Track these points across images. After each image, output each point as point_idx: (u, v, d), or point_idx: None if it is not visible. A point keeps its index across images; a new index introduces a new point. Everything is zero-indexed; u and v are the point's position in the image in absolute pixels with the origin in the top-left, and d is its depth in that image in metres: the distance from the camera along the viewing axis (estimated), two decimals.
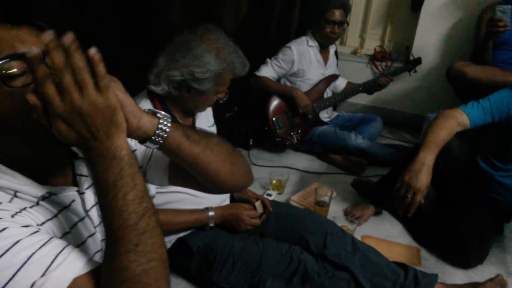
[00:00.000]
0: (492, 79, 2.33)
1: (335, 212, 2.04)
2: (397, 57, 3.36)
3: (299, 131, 2.64)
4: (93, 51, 0.56)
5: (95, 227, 0.79)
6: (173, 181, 0.92)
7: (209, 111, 1.66)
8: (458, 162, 1.86)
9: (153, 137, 0.70)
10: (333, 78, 2.76)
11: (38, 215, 0.67)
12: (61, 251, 0.62)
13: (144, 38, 1.67)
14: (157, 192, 1.39)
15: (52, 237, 0.64)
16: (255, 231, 1.60)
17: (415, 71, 2.91)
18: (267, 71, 2.57)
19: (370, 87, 2.74)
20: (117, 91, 0.62)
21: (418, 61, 2.89)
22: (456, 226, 1.78)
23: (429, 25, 3.10)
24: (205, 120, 1.62)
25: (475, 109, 1.68)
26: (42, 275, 0.59)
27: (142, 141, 0.71)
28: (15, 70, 0.61)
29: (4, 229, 0.59)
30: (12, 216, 0.63)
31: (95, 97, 0.57)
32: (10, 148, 0.67)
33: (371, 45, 3.42)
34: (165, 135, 0.70)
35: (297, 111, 2.57)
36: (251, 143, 2.70)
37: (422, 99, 3.23)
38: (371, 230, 1.96)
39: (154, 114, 0.71)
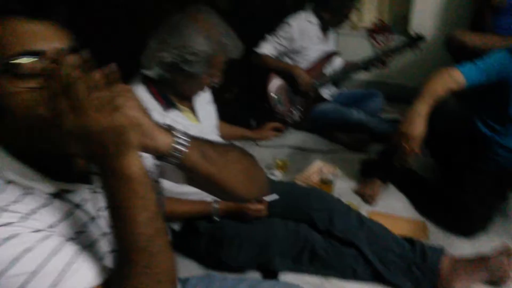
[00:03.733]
0: (491, 46, 2.30)
1: (340, 189, 2.04)
2: (395, 29, 3.31)
3: (300, 108, 2.62)
4: (112, 67, 0.55)
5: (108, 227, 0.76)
6: (189, 182, 0.88)
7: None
8: (455, 119, 1.85)
9: (168, 157, 0.68)
10: (333, 54, 2.73)
11: (49, 215, 0.65)
12: (72, 261, 0.61)
13: (137, 20, 1.64)
14: None
15: (64, 244, 0.62)
16: None
17: (421, 50, 2.84)
18: (267, 48, 2.54)
19: (370, 64, 2.69)
20: (131, 110, 0.59)
21: (421, 38, 2.80)
22: (458, 195, 1.78)
23: None
24: (203, 98, 1.59)
25: (471, 68, 1.71)
26: (53, 286, 0.58)
27: (157, 158, 0.69)
28: (27, 68, 0.58)
29: (15, 235, 0.58)
30: (23, 220, 0.61)
31: (107, 116, 0.55)
32: (23, 142, 0.64)
33: (369, 17, 3.37)
34: (180, 155, 0.68)
35: (298, 88, 2.55)
36: (252, 124, 2.69)
37: (422, 72, 3.16)
38: (377, 205, 1.96)
39: (170, 131, 0.68)
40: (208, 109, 1.62)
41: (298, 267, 1.50)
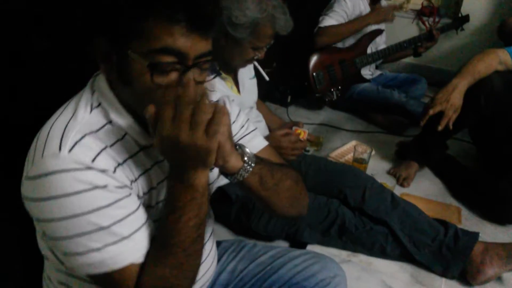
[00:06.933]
0: None
1: (374, 170, 2.02)
2: (445, 13, 3.18)
3: (340, 87, 2.58)
4: (222, 105, 0.62)
5: None
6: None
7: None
8: (500, 101, 1.74)
9: (231, 177, 0.77)
10: (377, 33, 2.64)
11: (134, 168, 0.73)
12: (138, 228, 0.69)
13: None
14: None
15: (138, 207, 0.70)
16: None
17: (462, 29, 2.78)
18: (330, 21, 2.45)
19: (415, 42, 2.61)
20: (222, 136, 0.67)
21: (465, 18, 2.75)
22: (498, 183, 1.72)
23: None
24: (247, 71, 1.60)
25: None
26: (110, 245, 0.65)
27: (221, 173, 0.79)
28: (165, 68, 0.64)
29: (104, 186, 0.65)
30: (114, 170, 0.67)
31: (199, 139, 0.61)
32: (128, 100, 0.72)
33: None
34: (241, 179, 0.77)
35: (337, 69, 2.51)
36: (289, 100, 2.68)
37: (470, 58, 3.07)
38: (410, 188, 1.93)
39: (242, 156, 0.76)
40: (250, 84, 1.63)
41: (326, 240, 1.51)
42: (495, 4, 2.92)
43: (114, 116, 0.71)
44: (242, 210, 1.52)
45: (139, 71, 0.64)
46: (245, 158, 0.76)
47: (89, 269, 0.66)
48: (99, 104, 0.72)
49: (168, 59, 0.64)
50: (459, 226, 1.65)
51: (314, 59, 2.53)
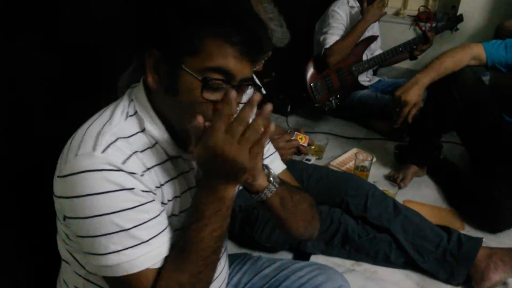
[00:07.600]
0: None
1: (375, 177, 2.02)
2: (442, 18, 3.20)
3: (338, 95, 2.59)
4: (273, 126, 0.67)
5: None
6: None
7: None
8: (474, 94, 1.73)
9: (255, 195, 0.81)
10: (372, 39, 2.65)
11: (160, 175, 0.75)
12: (160, 233, 0.70)
13: None
14: None
15: (161, 214, 0.72)
16: None
17: (457, 29, 2.79)
18: (333, 38, 2.45)
19: (410, 46, 2.60)
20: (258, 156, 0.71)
21: (459, 18, 2.76)
22: (488, 187, 1.70)
23: None
24: None
25: (497, 46, 1.65)
26: (131, 248, 0.67)
27: (246, 190, 0.82)
28: (215, 84, 0.68)
29: (131, 189, 0.67)
30: (142, 174, 0.70)
31: (242, 155, 0.65)
32: (166, 110, 0.75)
33: (415, 5, 3.26)
34: (265, 198, 0.81)
35: (334, 78, 2.53)
36: (289, 109, 2.68)
37: None
38: (412, 195, 1.93)
39: (268, 176, 0.81)
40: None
41: (330, 250, 1.51)
42: (492, 7, 2.94)
43: (148, 125, 0.74)
44: (245, 221, 1.53)
45: (190, 85, 0.68)
46: (271, 178, 0.81)
47: (107, 271, 0.67)
48: (135, 113, 0.75)
49: (217, 76, 0.67)
50: (463, 231, 1.66)
51: (310, 69, 2.54)
